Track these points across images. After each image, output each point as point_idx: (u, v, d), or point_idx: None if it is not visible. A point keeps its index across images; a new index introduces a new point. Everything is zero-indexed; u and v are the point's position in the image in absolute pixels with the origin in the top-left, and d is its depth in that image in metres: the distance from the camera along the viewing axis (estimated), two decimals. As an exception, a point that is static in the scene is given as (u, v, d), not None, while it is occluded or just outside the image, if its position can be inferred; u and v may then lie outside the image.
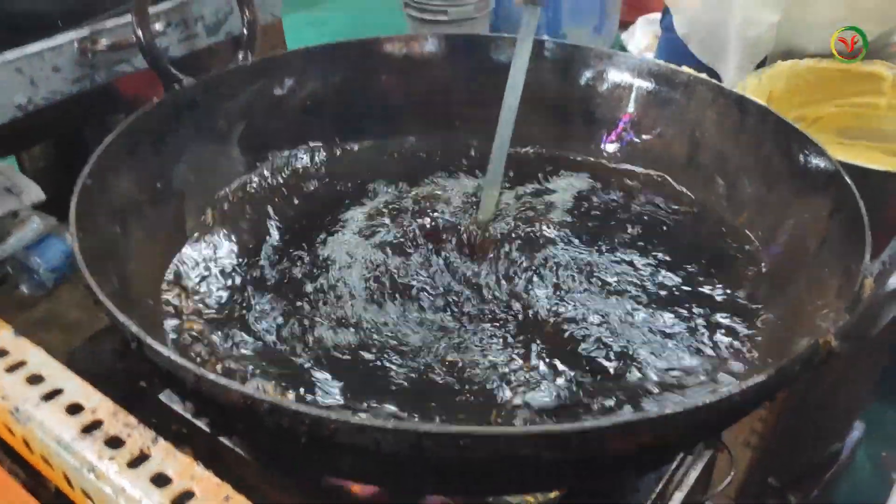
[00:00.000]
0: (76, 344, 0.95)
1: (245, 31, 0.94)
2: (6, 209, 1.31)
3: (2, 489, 0.56)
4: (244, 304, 0.76)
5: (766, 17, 1.20)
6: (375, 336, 0.72)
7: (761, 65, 1.20)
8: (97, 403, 0.51)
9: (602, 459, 0.54)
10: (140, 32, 0.83)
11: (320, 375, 0.66)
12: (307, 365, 0.68)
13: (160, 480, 0.46)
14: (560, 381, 0.67)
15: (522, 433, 0.50)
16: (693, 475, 0.73)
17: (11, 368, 0.54)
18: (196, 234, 0.84)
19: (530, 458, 0.49)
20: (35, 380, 0.53)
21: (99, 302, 0.58)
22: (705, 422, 0.54)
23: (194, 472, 0.46)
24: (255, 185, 0.92)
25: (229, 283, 0.79)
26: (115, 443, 0.48)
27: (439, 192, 0.93)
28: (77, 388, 0.52)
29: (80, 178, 0.71)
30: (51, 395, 0.52)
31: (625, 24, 3.19)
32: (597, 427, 0.50)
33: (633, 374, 0.68)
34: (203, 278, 0.79)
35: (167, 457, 0.47)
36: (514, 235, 0.85)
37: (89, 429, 0.49)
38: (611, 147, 0.96)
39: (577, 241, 0.85)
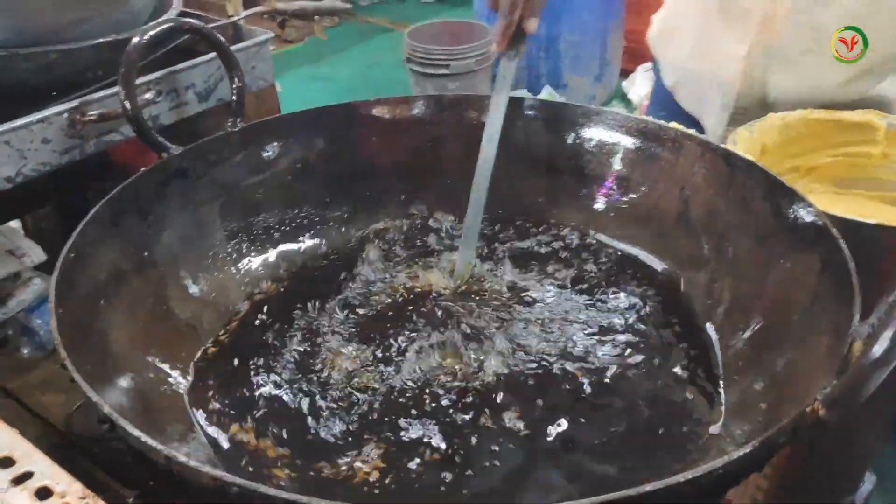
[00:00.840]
0: (76, 406, 0.94)
1: (234, 98, 0.95)
2: (8, 271, 1.32)
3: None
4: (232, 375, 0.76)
5: (736, 50, 1.21)
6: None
7: (743, 118, 1.21)
8: (65, 487, 0.50)
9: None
10: (127, 104, 0.85)
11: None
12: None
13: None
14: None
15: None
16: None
17: (-18, 454, 0.53)
18: (181, 304, 0.84)
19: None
20: (5, 462, 0.52)
21: (77, 381, 0.58)
22: (689, 495, 0.52)
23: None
24: (242, 252, 0.93)
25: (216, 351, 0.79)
26: (81, 529, 0.47)
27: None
28: (46, 469, 0.52)
29: (63, 252, 0.70)
30: (20, 479, 0.51)
31: (625, 73, 3.22)
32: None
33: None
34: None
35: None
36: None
37: (56, 515, 0.48)
38: (600, 205, 0.95)
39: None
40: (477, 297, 0.88)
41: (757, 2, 1.18)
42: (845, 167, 1.14)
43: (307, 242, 0.97)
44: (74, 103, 0.88)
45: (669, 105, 1.34)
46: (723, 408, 0.74)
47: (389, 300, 0.88)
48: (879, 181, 1.12)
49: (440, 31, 2.84)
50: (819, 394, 0.54)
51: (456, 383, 0.76)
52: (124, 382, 0.69)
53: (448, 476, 0.67)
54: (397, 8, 4.51)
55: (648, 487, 0.47)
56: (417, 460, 0.69)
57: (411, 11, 4.40)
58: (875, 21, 1.12)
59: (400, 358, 0.80)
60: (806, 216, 0.77)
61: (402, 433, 0.71)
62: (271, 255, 0.95)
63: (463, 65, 2.69)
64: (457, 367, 0.78)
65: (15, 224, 1.43)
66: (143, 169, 0.85)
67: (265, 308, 0.88)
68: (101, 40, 0.92)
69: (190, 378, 0.78)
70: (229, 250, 0.91)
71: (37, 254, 1.36)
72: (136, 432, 0.52)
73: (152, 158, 0.89)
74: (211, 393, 0.76)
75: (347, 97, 1.01)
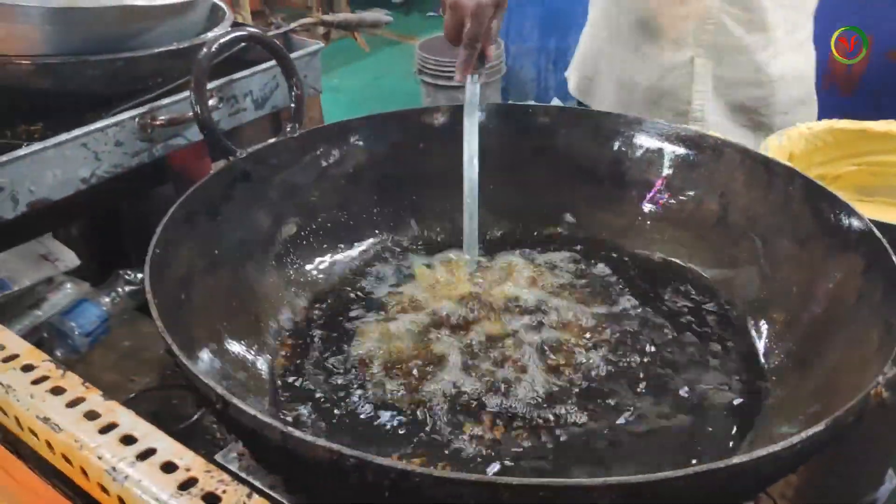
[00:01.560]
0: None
1: (293, 105, 0.99)
2: (42, 275, 1.35)
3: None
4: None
5: (677, 58, 1.29)
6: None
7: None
8: (190, 461, 0.54)
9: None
10: (198, 108, 0.88)
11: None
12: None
13: (259, 534, 0.48)
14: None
15: (595, 485, 0.52)
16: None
17: (104, 430, 0.57)
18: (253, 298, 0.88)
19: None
20: (128, 440, 0.56)
21: (181, 365, 0.61)
22: (764, 472, 0.56)
23: (291, 526, 0.49)
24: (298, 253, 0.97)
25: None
26: (212, 499, 0.51)
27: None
28: (169, 446, 0.55)
29: (150, 247, 0.74)
30: (145, 455, 0.55)
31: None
32: (664, 478, 0.53)
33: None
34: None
35: (263, 511, 0.50)
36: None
37: (186, 486, 0.52)
38: (647, 208, 1.00)
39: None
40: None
41: (687, 6, 1.25)
42: (868, 175, 1.19)
43: (359, 245, 1.01)
44: (145, 108, 0.92)
45: None
46: (769, 404, 0.78)
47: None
48: (900, 189, 1.17)
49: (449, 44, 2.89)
50: (881, 377, 0.58)
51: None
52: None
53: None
54: (403, 20, 4.57)
55: (736, 460, 0.51)
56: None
57: (416, 24, 4.46)
58: None
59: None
60: (847, 219, 0.81)
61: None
62: (326, 257, 0.99)
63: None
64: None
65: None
66: (212, 171, 0.89)
67: (321, 308, 0.92)
68: (163, 49, 0.96)
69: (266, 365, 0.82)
70: (290, 250, 0.95)
71: (70, 259, 1.39)
72: (251, 411, 0.55)
73: (204, 165, 0.93)
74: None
75: (358, 108, 1.05)
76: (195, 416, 1.09)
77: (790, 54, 1.33)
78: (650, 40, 1.32)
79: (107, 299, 1.29)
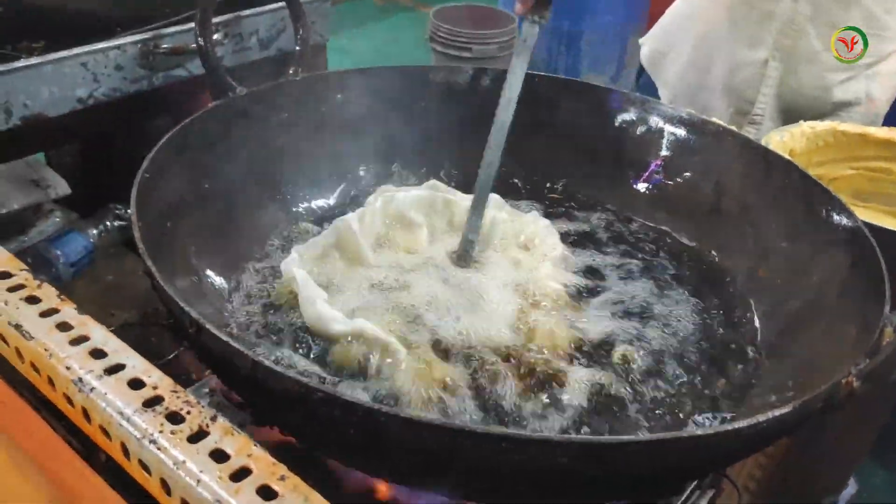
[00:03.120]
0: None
1: (298, 48, 0.98)
2: (32, 200, 1.34)
3: (57, 456, 0.58)
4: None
5: (752, 55, 1.27)
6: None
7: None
8: (157, 380, 0.54)
9: (622, 476, 0.57)
10: (202, 40, 0.87)
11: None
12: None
13: (219, 456, 0.48)
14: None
15: (556, 440, 0.53)
16: (699, 509, 0.75)
17: (75, 342, 0.56)
18: (239, 236, 0.87)
19: (561, 467, 0.52)
20: (98, 354, 0.56)
21: (158, 288, 0.61)
22: (727, 447, 0.57)
23: (252, 451, 0.49)
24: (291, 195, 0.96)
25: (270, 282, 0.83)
26: (175, 418, 0.51)
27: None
28: (138, 364, 0.55)
29: (139, 171, 0.73)
30: (113, 370, 0.54)
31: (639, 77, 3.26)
32: (626, 441, 0.53)
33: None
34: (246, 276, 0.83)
35: (225, 434, 0.50)
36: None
37: (150, 403, 0.52)
38: (641, 187, 1.00)
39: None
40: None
41: (778, 5, 1.24)
42: (865, 181, 1.19)
43: (347, 192, 1.01)
44: (148, 35, 0.90)
45: None
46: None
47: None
48: (894, 196, 1.17)
49: (464, 15, 2.87)
50: (853, 368, 0.59)
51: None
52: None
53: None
54: (421, -13, 4.53)
55: (700, 432, 0.51)
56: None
57: (435, -8, 4.42)
58: (885, 21, 1.22)
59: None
60: (839, 216, 0.81)
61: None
62: (316, 202, 0.98)
63: (485, 49, 2.72)
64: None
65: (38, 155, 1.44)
66: (210, 105, 0.88)
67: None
68: (172, -22, 0.95)
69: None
70: (282, 191, 0.95)
71: (61, 186, 1.37)
72: (224, 337, 0.55)
73: (203, 103, 0.92)
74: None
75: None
76: (172, 355, 1.08)
77: (864, 82, 1.31)
78: (732, 31, 1.30)
79: (94, 231, 1.28)
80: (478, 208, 0.89)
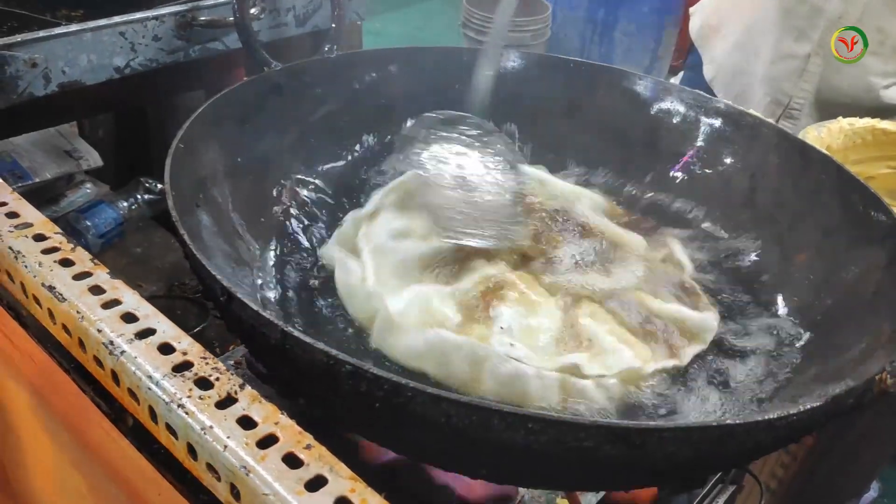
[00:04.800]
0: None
1: (333, 25, 0.98)
2: (64, 171, 1.35)
3: (85, 417, 0.59)
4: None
5: (796, 49, 1.25)
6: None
7: (788, 114, 1.25)
8: (187, 346, 0.54)
9: (647, 462, 0.56)
10: (239, 14, 0.88)
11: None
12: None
13: (246, 423, 0.48)
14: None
15: (583, 423, 0.52)
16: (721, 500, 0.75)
17: (107, 305, 0.57)
18: (269, 211, 0.87)
19: (586, 450, 0.51)
20: (129, 318, 0.56)
21: (190, 255, 0.61)
22: (755, 439, 0.56)
23: (279, 419, 0.49)
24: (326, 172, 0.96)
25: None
26: (204, 384, 0.51)
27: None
28: (169, 329, 0.55)
29: (174, 140, 0.74)
30: (143, 334, 0.55)
31: (673, 70, 3.22)
32: (655, 427, 0.52)
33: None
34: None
35: (253, 402, 0.50)
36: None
37: (180, 368, 0.52)
38: (676, 177, 0.99)
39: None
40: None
41: (829, 2, 1.22)
42: (902, 180, 1.17)
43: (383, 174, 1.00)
44: (187, 6, 0.91)
45: None
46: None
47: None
48: (932, 198, 1.15)
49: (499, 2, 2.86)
50: (888, 366, 0.58)
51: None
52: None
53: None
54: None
55: (729, 422, 0.51)
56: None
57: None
58: None
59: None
60: (876, 213, 0.80)
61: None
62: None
63: (518, 37, 2.70)
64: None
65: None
66: (246, 78, 0.88)
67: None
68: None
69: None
70: (312, 169, 0.95)
71: (94, 158, 1.39)
72: (255, 306, 0.55)
73: (238, 78, 0.92)
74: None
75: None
76: (198, 328, 1.09)
77: None
78: (781, 21, 1.29)
79: (124, 204, 1.30)
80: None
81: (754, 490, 0.89)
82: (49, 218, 1.22)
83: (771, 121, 0.96)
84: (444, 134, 0.86)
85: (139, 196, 1.31)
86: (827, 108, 1.30)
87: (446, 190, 0.80)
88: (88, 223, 1.27)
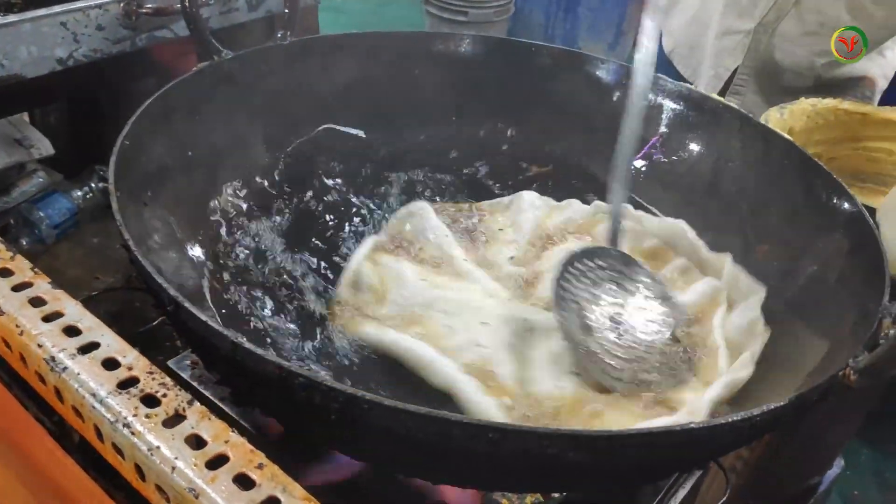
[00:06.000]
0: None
1: (287, 10, 0.94)
2: (15, 160, 1.31)
3: (28, 434, 0.57)
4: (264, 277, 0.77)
5: (740, 25, 1.28)
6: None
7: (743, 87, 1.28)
8: (133, 361, 0.52)
9: (609, 470, 0.55)
10: (186, 1, 0.84)
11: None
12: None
13: (195, 442, 0.47)
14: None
15: (544, 432, 0.51)
16: (682, 493, 0.75)
17: (48, 318, 0.54)
18: (220, 206, 0.85)
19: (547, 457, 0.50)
20: (71, 331, 0.54)
21: (136, 261, 0.59)
22: (720, 441, 0.55)
23: (229, 437, 0.47)
24: (280, 163, 0.93)
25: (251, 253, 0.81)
26: (150, 401, 0.49)
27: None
28: (113, 343, 0.53)
29: (119, 138, 0.71)
30: (87, 349, 0.52)
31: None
32: (616, 435, 0.51)
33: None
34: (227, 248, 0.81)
35: (202, 419, 0.48)
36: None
37: (125, 385, 0.50)
38: (637, 164, 0.97)
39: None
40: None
41: None
42: (864, 161, 1.17)
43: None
44: (132, -6, 0.87)
45: (666, 72, 1.39)
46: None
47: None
48: (893, 178, 1.16)
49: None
50: (852, 361, 0.57)
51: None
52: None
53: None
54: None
55: (693, 426, 0.50)
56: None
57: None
58: (871, 11, 1.22)
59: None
60: (839, 200, 0.79)
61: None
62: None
63: (481, 14, 2.68)
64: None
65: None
66: (195, 68, 0.85)
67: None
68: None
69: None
70: (266, 160, 0.92)
71: (45, 146, 1.34)
72: (203, 317, 0.53)
73: (190, 65, 0.89)
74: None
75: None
76: (157, 321, 1.06)
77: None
78: None
79: (79, 193, 1.26)
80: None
81: (719, 474, 0.89)
82: (1, 209, 1.19)
83: (734, 104, 0.95)
84: (587, 268, 0.78)
85: (94, 185, 1.27)
86: (771, 84, 1.33)
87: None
88: (42, 214, 1.23)
